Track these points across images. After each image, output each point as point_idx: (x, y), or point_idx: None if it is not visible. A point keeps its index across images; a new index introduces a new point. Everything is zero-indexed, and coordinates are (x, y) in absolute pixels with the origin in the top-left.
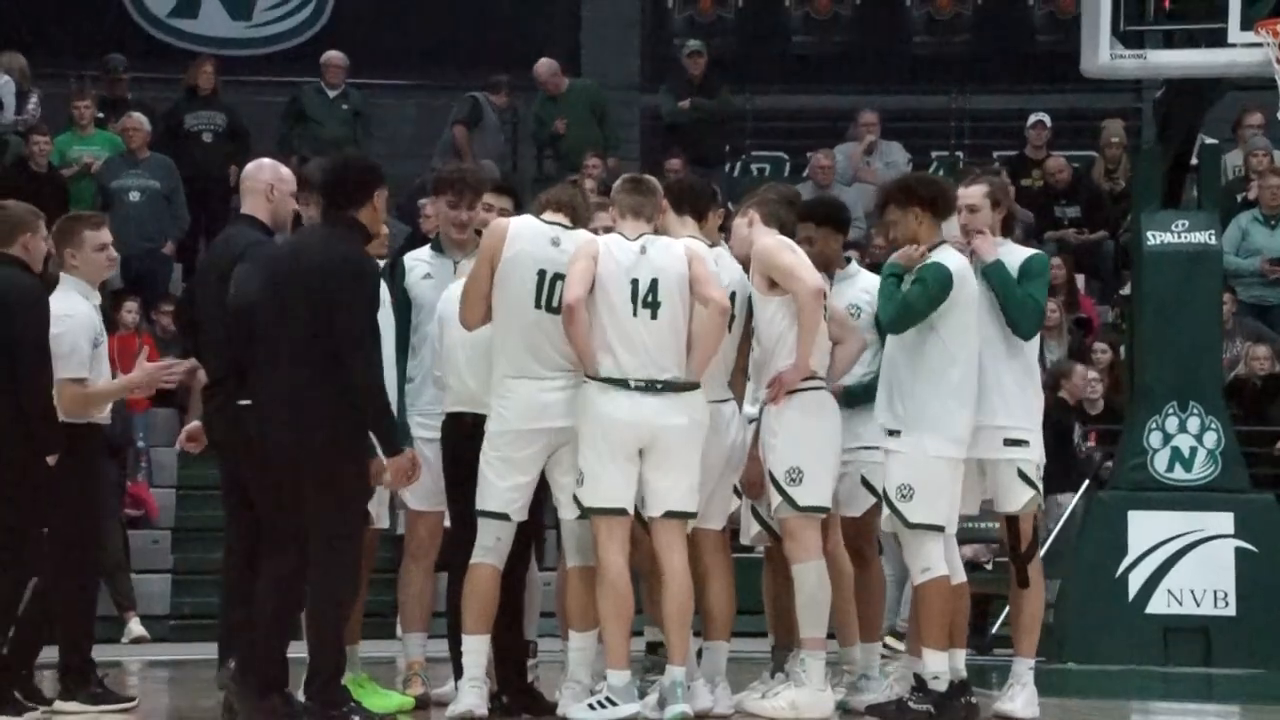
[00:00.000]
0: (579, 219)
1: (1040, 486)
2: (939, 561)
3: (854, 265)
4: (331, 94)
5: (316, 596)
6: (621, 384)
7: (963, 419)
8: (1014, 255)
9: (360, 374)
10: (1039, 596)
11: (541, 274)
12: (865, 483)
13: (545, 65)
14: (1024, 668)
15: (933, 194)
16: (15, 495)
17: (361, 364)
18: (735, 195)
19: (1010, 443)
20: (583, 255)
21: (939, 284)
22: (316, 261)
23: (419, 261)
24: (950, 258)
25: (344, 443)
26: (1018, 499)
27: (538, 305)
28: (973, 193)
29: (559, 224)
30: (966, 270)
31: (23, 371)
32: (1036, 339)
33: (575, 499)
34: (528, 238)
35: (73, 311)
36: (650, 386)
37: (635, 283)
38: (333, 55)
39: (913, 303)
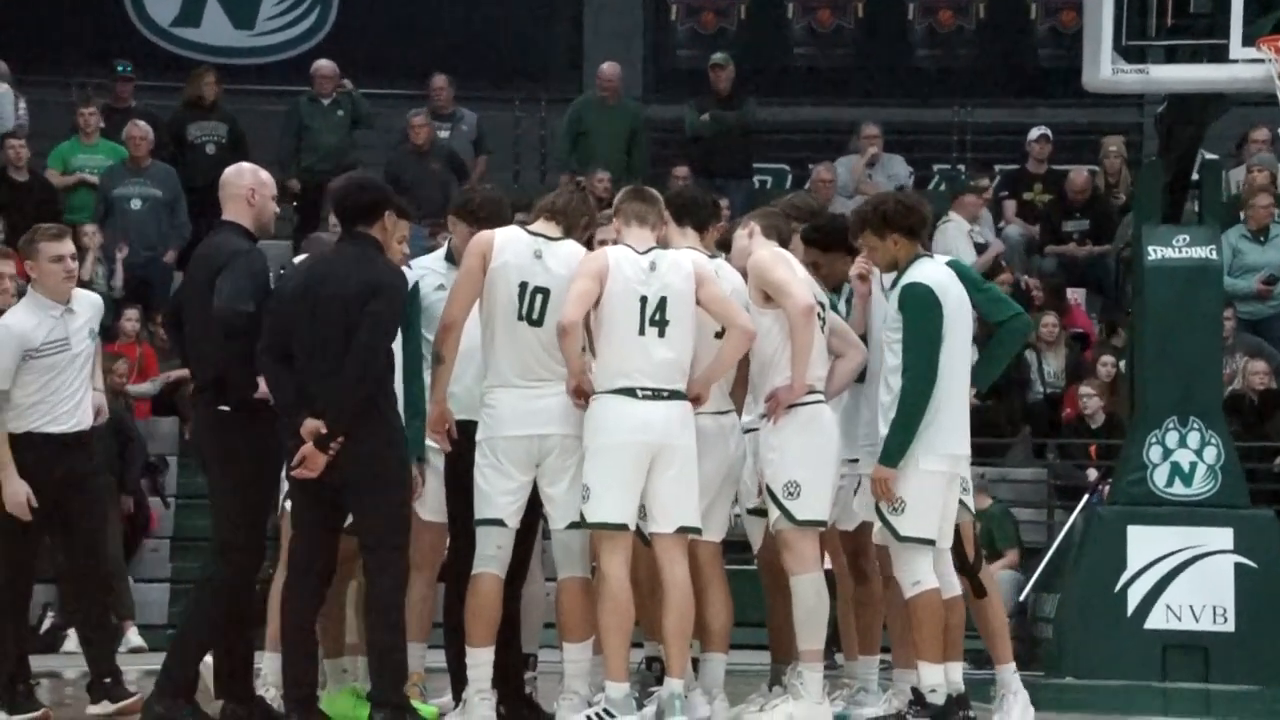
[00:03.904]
0: (571, 227)
1: (965, 500)
2: (929, 574)
3: None
4: (325, 102)
5: (379, 602)
6: (629, 393)
7: (953, 431)
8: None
9: (359, 357)
10: (998, 601)
11: (523, 286)
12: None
13: (612, 68)
14: (1008, 674)
15: (910, 222)
16: None
17: (365, 350)
18: (738, 207)
19: None
20: (585, 274)
21: (924, 306)
22: (358, 280)
23: (431, 271)
24: (925, 272)
25: (392, 448)
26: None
27: (520, 318)
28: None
29: (544, 235)
30: (947, 280)
31: None
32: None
33: (580, 514)
34: (511, 251)
35: (9, 322)
36: (657, 395)
37: (644, 300)
38: (321, 65)
39: (918, 341)
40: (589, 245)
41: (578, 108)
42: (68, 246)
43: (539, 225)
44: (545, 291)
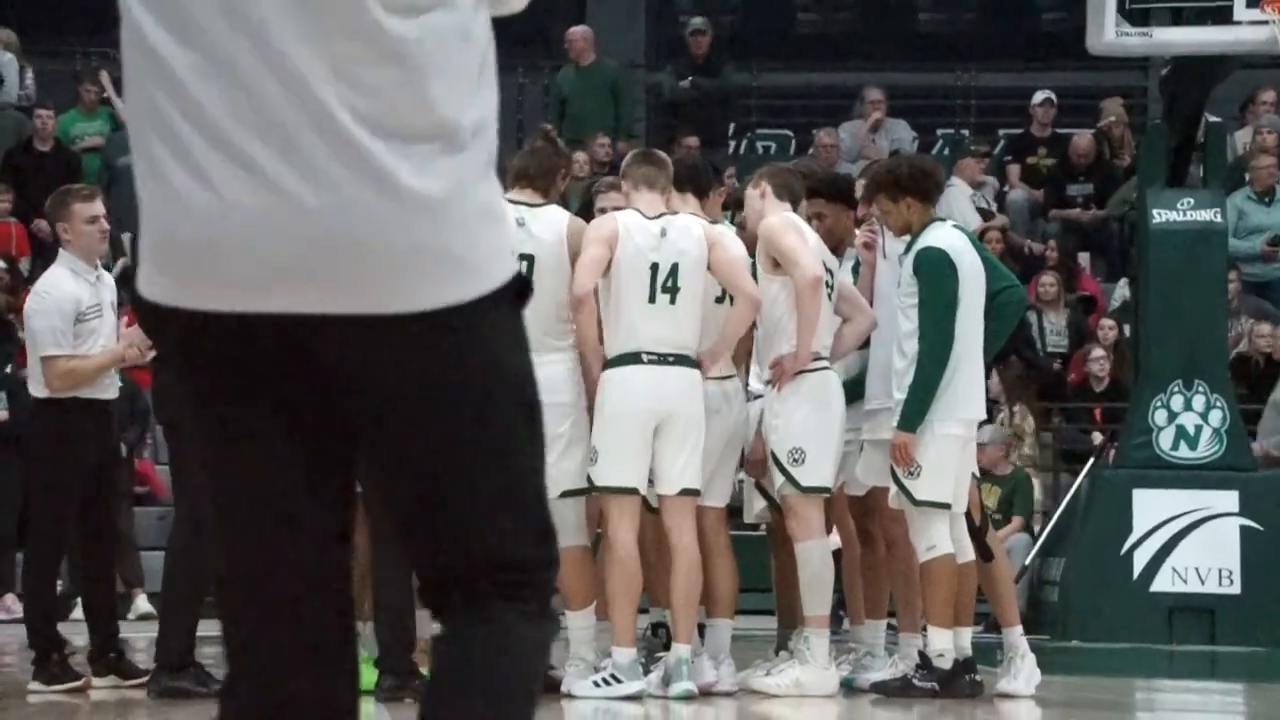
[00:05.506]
0: (548, 187)
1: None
2: (944, 539)
3: None
4: None
5: (395, 568)
6: (635, 359)
7: (969, 395)
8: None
9: None
10: (1005, 564)
11: None
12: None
13: (581, 32)
14: (1015, 637)
15: (924, 186)
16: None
17: None
18: (742, 174)
19: None
20: (595, 241)
21: (940, 271)
22: None
23: None
24: (940, 236)
25: None
26: None
27: None
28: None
29: (524, 203)
30: (962, 245)
31: None
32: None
33: (589, 478)
34: None
35: (49, 290)
36: (663, 360)
37: (655, 267)
38: None
39: (934, 306)
40: (589, 212)
41: (557, 79)
42: (100, 207)
43: (516, 194)
44: (530, 259)
